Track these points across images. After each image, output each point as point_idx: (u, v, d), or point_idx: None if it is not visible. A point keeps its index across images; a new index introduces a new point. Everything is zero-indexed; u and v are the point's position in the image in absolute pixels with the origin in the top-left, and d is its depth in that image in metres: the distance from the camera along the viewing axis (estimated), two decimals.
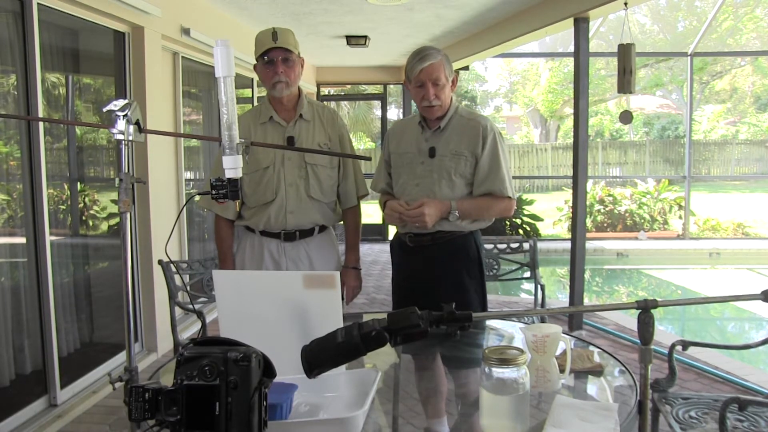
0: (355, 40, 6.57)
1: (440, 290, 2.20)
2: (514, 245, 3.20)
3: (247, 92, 6.36)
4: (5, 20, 2.91)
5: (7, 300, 2.96)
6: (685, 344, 2.15)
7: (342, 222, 2.51)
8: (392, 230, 2.42)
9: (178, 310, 2.67)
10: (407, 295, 2.31)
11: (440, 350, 1.89)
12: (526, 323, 2.36)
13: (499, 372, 1.23)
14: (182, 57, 4.62)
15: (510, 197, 2.22)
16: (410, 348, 1.85)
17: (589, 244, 5.72)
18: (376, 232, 9.20)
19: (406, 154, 2.29)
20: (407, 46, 7.26)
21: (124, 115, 1.47)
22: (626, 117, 6.30)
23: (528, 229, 8.71)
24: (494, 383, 1.24)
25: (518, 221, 8.69)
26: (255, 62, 2.30)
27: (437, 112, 2.21)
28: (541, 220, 9.15)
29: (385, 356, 1.75)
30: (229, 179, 1.44)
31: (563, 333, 1.50)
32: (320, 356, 1.04)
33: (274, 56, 2.22)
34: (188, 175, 4.90)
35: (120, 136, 1.48)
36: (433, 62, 2.13)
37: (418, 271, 2.27)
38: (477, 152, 2.19)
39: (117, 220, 3.96)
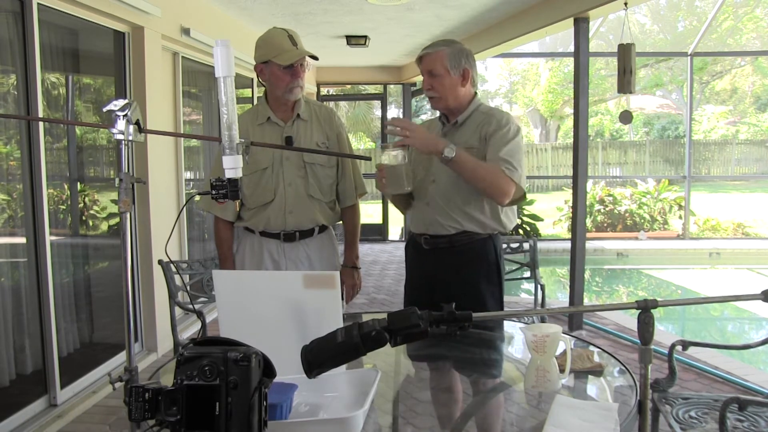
0: (355, 40, 6.57)
1: (457, 297, 2.06)
2: (514, 245, 3.21)
3: (247, 92, 6.36)
4: (5, 20, 2.91)
5: (7, 300, 2.96)
6: (685, 344, 2.15)
7: (341, 221, 2.51)
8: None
9: (178, 310, 2.67)
10: (422, 301, 2.23)
11: (440, 351, 1.89)
12: (526, 323, 2.36)
13: (387, 151, 2.00)
14: (182, 57, 4.61)
15: (512, 179, 2.00)
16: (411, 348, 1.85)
17: (589, 244, 5.72)
18: (376, 232, 9.20)
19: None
20: (407, 46, 7.26)
21: (124, 115, 1.47)
22: (626, 117, 6.29)
23: (528, 229, 8.71)
24: (386, 157, 2.00)
25: (518, 221, 8.70)
26: (256, 62, 2.29)
27: (438, 104, 2.18)
28: (541, 220, 9.15)
29: (385, 356, 1.75)
30: (229, 179, 1.45)
31: (563, 333, 1.50)
32: (320, 356, 1.04)
33: (296, 62, 2.21)
34: (188, 175, 4.90)
35: (120, 136, 1.48)
36: (429, 53, 2.11)
37: (434, 276, 2.18)
38: (487, 137, 2.09)
39: (117, 220, 3.96)
